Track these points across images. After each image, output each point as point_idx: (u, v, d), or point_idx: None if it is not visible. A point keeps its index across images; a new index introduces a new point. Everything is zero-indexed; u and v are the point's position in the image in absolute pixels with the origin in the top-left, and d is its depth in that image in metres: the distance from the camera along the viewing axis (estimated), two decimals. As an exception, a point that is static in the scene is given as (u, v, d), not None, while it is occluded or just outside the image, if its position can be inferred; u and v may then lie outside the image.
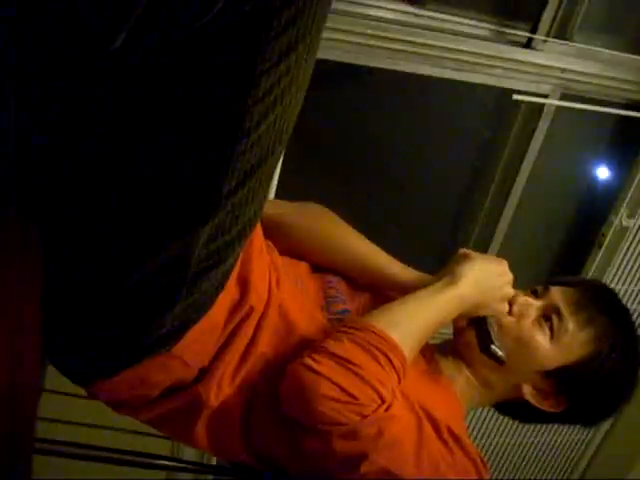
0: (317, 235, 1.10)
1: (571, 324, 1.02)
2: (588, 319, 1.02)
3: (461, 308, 0.99)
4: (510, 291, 1.03)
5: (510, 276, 1.02)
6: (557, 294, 1.05)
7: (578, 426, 1.19)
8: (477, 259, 1.01)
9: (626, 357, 1.04)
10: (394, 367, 0.87)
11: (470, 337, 1.02)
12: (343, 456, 0.84)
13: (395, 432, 0.85)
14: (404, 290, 1.03)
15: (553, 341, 1.02)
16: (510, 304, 1.04)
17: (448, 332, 1.08)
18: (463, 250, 1.04)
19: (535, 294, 1.07)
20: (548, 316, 1.03)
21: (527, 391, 1.04)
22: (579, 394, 1.04)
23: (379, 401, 0.84)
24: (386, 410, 0.84)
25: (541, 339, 1.02)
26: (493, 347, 0.98)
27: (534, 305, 1.04)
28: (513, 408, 1.10)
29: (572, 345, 1.02)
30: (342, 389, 0.82)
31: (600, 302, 1.06)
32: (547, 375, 1.03)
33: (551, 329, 1.02)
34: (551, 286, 1.07)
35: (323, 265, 1.10)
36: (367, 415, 0.83)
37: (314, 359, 0.85)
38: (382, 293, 1.10)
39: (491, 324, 1.01)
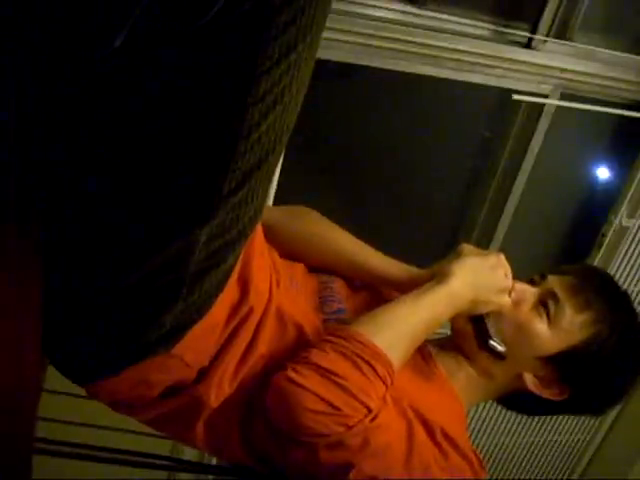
0: (305, 237, 1.10)
1: (568, 308, 1.01)
2: (585, 302, 1.02)
3: (454, 306, 0.97)
4: (507, 283, 1.01)
5: (506, 268, 1.01)
6: (553, 281, 1.04)
7: (578, 426, 1.19)
8: (470, 255, 1.00)
9: (626, 339, 1.02)
10: (379, 375, 0.86)
11: (468, 335, 1.02)
12: (330, 466, 0.84)
13: (382, 441, 0.84)
14: (395, 286, 1.03)
15: (551, 326, 1.01)
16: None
17: (447, 330, 1.08)
18: (462, 245, 1.03)
19: (532, 283, 1.06)
20: (545, 302, 1.02)
21: (529, 379, 1.03)
22: (581, 379, 1.03)
23: (364, 411, 0.83)
24: (372, 420, 0.84)
25: (539, 325, 1.01)
26: (491, 342, 0.98)
27: (531, 291, 1.04)
28: (517, 401, 1.09)
29: (570, 329, 1.01)
30: (326, 401, 0.82)
31: (597, 285, 1.05)
32: (548, 362, 1.02)
33: (548, 314, 1.01)
34: (548, 274, 1.06)
35: (314, 266, 1.10)
36: (352, 426, 0.82)
37: (297, 371, 0.84)
38: (379, 291, 1.10)
39: (489, 320, 1.00)
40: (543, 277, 1.06)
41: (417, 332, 0.95)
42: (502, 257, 1.02)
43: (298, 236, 1.10)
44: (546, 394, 1.03)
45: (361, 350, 0.87)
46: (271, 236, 1.08)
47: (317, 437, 0.82)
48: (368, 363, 0.86)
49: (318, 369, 0.84)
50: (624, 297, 1.08)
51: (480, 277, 0.99)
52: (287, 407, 0.83)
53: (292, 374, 0.84)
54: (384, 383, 0.87)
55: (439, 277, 0.97)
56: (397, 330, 0.92)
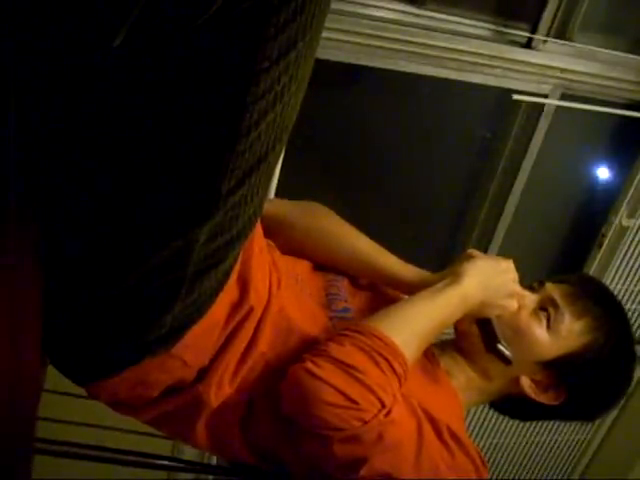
0: (318, 234, 1.09)
1: (567, 314, 1.03)
2: (584, 309, 1.04)
3: (465, 307, 0.98)
4: (516, 288, 1.02)
5: (515, 273, 1.03)
6: (552, 288, 1.06)
7: (578, 426, 1.20)
8: (481, 258, 1.01)
9: (621, 348, 1.05)
10: (395, 372, 0.87)
11: (474, 337, 1.02)
12: (342, 459, 0.84)
13: (395, 436, 0.85)
14: (406, 288, 1.03)
15: (550, 331, 1.02)
16: None
17: (449, 332, 1.08)
18: (470, 250, 1.04)
19: (531, 290, 1.07)
20: (545, 307, 1.04)
21: (525, 383, 1.04)
22: (577, 385, 1.04)
23: (379, 406, 0.84)
24: (386, 415, 0.84)
25: (538, 329, 1.02)
26: (500, 346, 0.99)
27: (531, 297, 1.05)
28: (512, 405, 1.10)
29: (569, 335, 1.02)
30: (343, 394, 0.82)
31: (594, 294, 1.07)
32: (545, 366, 1.03)
33: (548, 319, 1.03)
34: (546, 282, 1.08)
35: (324, 264, 1.10)
36: (368, 420, 0.82)
37: (315, 363, 0.84)
38: (384, 291, 1.10)
39: (497, 324, 1.01)
40: (541, 284, 1.08)
41: (429, 331, 0.96)
42: (512, 263, 1.03)
43: (309, 231, 1.10)
44: (541, 398, 1.05)
45: (379, 346, 0.87)
46: (280, 230, 1.08)
47: (333, 430, 0.82)
48: (386, 359, 0.87)
49: (336, 362, 0.84)
50: (619, 306, 1.10)
51: (491, 280, 1.00)
52: (305, 399, 0.83)
53: (310, 366, 0.84)
54: (399, 379, 0.88)
55: (451, 277, 0.98)
56: (411, 328, 0.93)
